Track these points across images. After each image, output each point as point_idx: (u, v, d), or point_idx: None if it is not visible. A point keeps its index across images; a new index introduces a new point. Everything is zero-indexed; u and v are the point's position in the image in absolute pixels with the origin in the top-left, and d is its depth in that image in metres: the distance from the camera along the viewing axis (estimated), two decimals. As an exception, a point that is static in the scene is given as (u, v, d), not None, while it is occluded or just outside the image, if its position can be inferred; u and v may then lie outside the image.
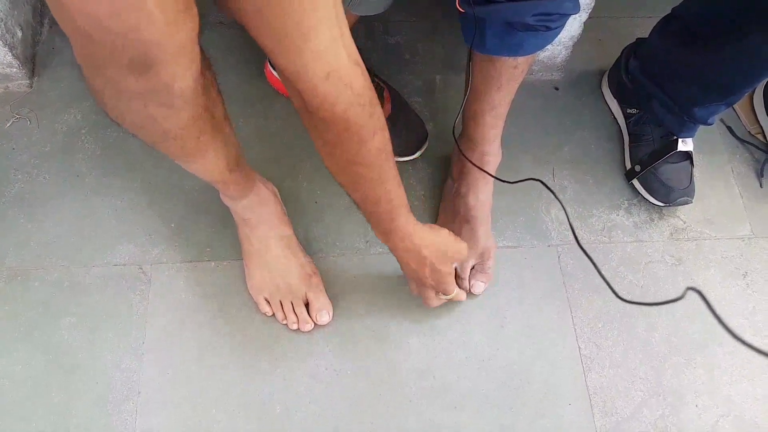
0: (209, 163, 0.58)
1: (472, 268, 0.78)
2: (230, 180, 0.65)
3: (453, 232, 0.77)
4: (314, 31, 0.39)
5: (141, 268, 0.78)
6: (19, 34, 0.85)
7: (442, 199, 0.84)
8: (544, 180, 0.69)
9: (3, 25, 0.80)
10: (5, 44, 0.81)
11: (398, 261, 0.67)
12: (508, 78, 0.68)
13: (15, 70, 0.84)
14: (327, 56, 0.41)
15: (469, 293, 0.78)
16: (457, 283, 0.77)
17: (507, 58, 0.65)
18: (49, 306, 0.75)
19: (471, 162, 0.77)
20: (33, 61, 0.89)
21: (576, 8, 0.60)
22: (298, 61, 0.41)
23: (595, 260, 0.84)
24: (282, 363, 0.74)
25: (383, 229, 0.62)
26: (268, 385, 0.73)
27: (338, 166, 0.54)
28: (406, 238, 0.63)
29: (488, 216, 0.80)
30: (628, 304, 0.81)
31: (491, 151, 0.77)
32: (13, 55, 0.82)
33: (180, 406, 0.71)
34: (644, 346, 0.79)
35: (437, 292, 0.72)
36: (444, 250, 0.66)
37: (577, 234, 0.84)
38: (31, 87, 0.88)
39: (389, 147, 0.54)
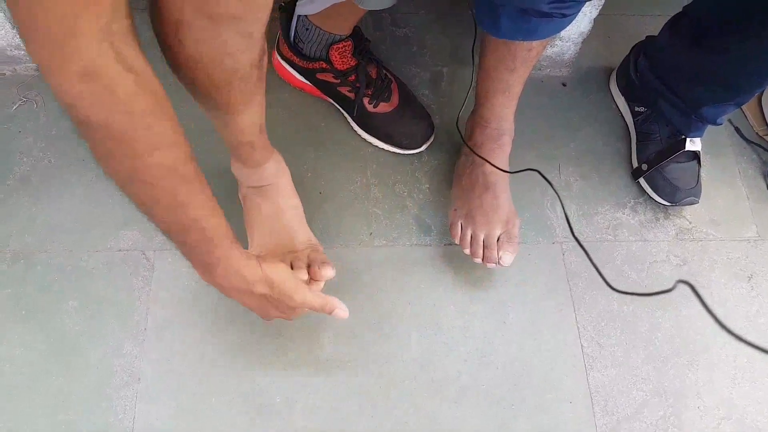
0: (252, 116, 0.60)
1: (498, 238, 0.76)
2: (258, 142, 0.65)
3: (474, 203, 0.77)
4: (80, 28, 0.37)
5: (144, 254, 0.78)
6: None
7: (455, 174, 0.82)
8: (547, 175, 0.68)
9: (12, 8, 0.80)
10: (14, 26, 0.80)
11: (237, 301, 0.58)
12: (522, 60, 0.68)
13: (23, 53, 0.84)
14: (87, 55, 0.38)
15: (498, 265, 0.75)
16: (485, 255, 0.76)
17: (521, 41, 0.65)
18: (51, 290, 0.75)
19: (477, 155, 0.77)
20: (41, 44, 0.89)
21: None
22: (55, 56, 0.37)
23: (599, 258, 0.84)
24: (283, 353, 0.74)
25: (204, 266, 0.54)
26: (269, 375, 0.73)
27: (120, 183, 0.47)
28: (232, 274, 0.54)
29: (507, 183, 0.78)
30: (631, 305, 0.81)
31: (505, 127, 0.77)
32: (21, 37, 0.82)
33: (180, 392, 0.71)
34: (647, 346, 0.78)
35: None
36: (281, 283, 0.57)
37: (577, 229, 0.84)
38: (38, 70, 0.88)
39: (187, 169, 0.47)
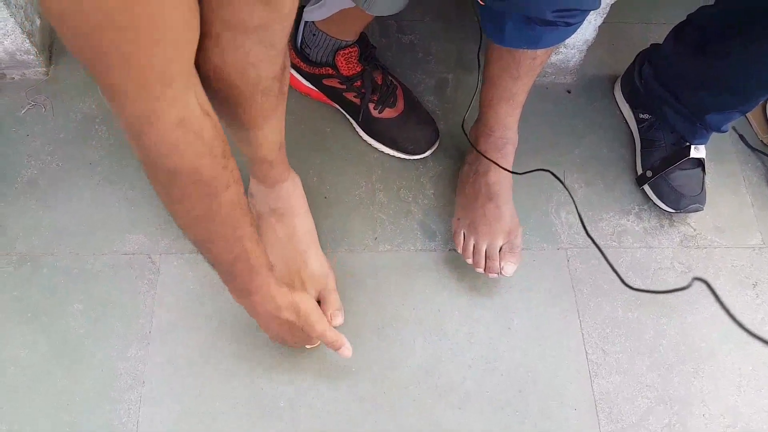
0: (272, 131, 0.62)
1: (500, 249, 0.76)
2: (277, 159, 0.67)
3: (476, 213, 0.77)
4: (173, 77, 0.39)
5: (150, 258, 0.78)
6: (38, 21, 0.86)
7: (459, 183, 0.83)
8: (553, 181, 0.68)
9: (23, 13, 0.81)
10: (23, 31, 0.81)
11: (258, 322, 0.64)
12: (526, 69, 0.68)
13: (32, 57, 0.85)
14: (180, 103, 0.40)
15: (500, 275, 0.76)
16: (487, 265, 0.76)
17: (526, 50, 0.65)
18: (57, 292, 0.75)
19: (485, 156, 0.77)
20: (50, 49, 0.89)
21: (596, 3, 0.60)
22: (151, 107, 0.39)
23: (604, 264, 0.84)
24: (287, 357, 0.74)
25: (242, 291, 0.58)
26: (273, 379, 0.73)
27: (188, 222, 0.50)
28: (267, 300, 0.58)
29: (510, 193, 0.78)
30: (636, 312, 0.81)
31: (508, 136, 0.77)
32: (30, 42, 0.83)
33: (184, 396, 0.71)
34: (652, 353, 0.78)
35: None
36: (307, 313, 0.62)
37: (581, 234, 0.84)
38: (48, 74, 0.89)
39: (244, 202, 0.51)
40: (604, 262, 0.83)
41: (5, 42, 0.82)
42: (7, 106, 0.86)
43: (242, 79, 0.51)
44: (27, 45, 0.83)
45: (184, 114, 0.41)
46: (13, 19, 0.79)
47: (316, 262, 0.74)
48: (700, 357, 0.78)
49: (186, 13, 0.38)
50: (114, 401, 0.70)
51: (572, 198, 0.67)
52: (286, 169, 0.72)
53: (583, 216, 0.86)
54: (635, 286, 0.80)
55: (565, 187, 0.67)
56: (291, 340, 0.65)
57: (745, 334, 0.81)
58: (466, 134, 0.81)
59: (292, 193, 0.73)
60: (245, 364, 0.73)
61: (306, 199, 0.76)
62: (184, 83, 0.40)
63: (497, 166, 0.77)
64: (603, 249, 0.84)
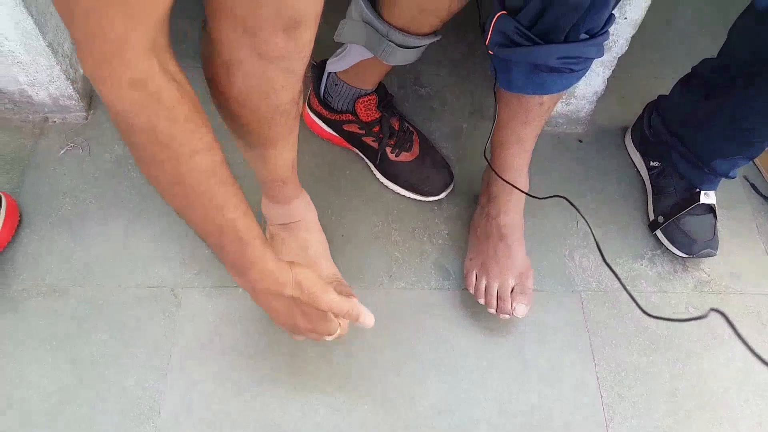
0: (286, 151, 0.65)
1: (512, 290, 0.77)
2: (290, 178, 0.70)
3: (488, 253, 0.79)
4: (130, 43, 0.41)
5: (173, 291, 0.81)
6: (81, 70, 0.93)
7: (471, 226, 0.85)
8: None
9: (68, 61, 0.88)
10: (68, 78, 0.88)
11: (264, 309, 0.60)
12: (534, 114, 0.71)
13: (74, 102, 0.91)
14: (136, 66, 0.42)
15: (512, 316, 0.76)
16: (498, 306, 0.77)
17: (533, 95, 0.69)
18: (82, 322, 0.78)
19: (503, 179, 0.78)
20: (91, 95, 0.96)
21: (600, 53, 0.63)
22: (108, 68, 0.42)
23: (618, 309, 0.84)
24: (301, 392, 0.75)
25: (236, 266, 0.56)
26: (287, 414, 0.73)
27: (161, 188, 0.50)
28: (266, 276, 0.56)
29: (522, 235, 0.79)
30: (652, 356, 0.80)
31: (518, 179, 0.79)
32: (74, 88, 0.89)
33: (199, 428, 0.72)
34: (669, 398, 0.77)
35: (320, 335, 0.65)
36: (310, 285, 0.58)
37: (595, 278, 0.85)
38: (87, 119, 0.95)
39: (224, 172, 0.50)
40: (619, 305, 0.84)
41: (50, 88, 0.88)
42: (49, 146, 0.92)
43: (264, 103, 0.56)
44: (70, 91, 0.90)
45: (139, 76, 0.42)
46: (59, 66, 0.86)
47: (328, 269, 0.75)
48: (719, 402, 0.77)
49: None
50: (131, 431, 0.71)
51: (586, 222, 0.68)
52: (297, 187, 0.75)
53: (596, 259, 0.88)
54: (648, 331, 0.82)
55: (579, 213, 0.68)
56: (304, 324, 0.61)
57: (763, 379, 0.80)
58: (487, 160, 0.83)
59: (303, 209, 0.76)
60: (259, 398, 0.74)
61: (316, 214, 0.78)
62: (142, 50, 0.42)
63: (508, 209, 0.79)
64: (618, 290, 0.85)
